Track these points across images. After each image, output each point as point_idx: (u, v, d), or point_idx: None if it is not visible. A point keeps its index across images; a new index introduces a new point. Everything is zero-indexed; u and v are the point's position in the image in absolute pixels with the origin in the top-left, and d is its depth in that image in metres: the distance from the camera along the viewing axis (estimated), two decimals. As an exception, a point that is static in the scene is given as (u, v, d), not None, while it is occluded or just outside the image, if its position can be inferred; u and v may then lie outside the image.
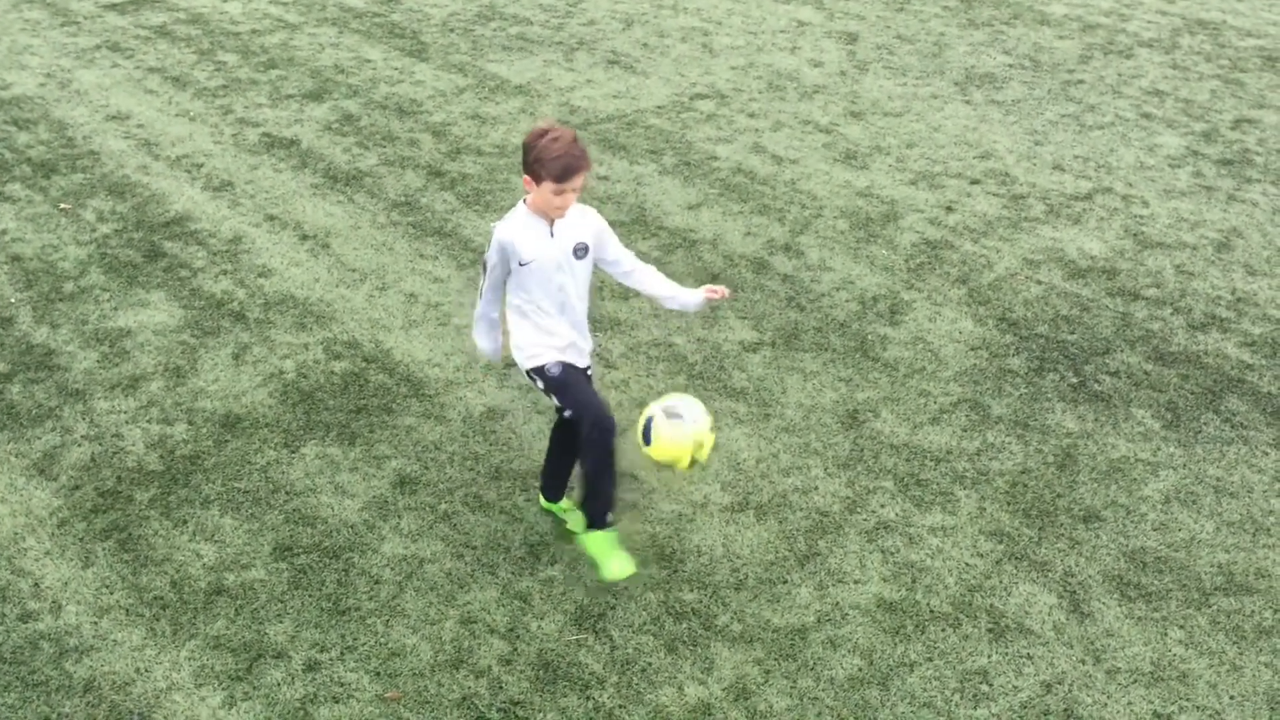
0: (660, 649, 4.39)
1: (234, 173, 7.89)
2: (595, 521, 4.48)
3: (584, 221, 4.33)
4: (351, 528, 4.91)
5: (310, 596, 4.56)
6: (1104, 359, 6.23)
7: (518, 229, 4.24)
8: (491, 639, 4.41)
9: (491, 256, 4.30)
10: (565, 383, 4.39)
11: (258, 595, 4.56)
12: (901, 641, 4.47)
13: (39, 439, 5.32)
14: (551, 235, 4.25)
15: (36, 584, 4.57)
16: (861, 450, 5.49)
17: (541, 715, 4.12)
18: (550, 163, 4.04)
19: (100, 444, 5.32)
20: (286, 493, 5.08)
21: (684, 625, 4.49)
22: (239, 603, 4.52)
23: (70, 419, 5.46)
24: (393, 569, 4.71)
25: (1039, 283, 6.91)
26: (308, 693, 4.17)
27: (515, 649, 4.37)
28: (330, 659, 4.31)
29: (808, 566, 4.80)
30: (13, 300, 6.33)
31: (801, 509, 5.11)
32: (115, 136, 8.36)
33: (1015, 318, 6.57)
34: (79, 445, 5.29)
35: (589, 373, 4.57)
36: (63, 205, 7.34)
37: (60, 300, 6.35)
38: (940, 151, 8.66)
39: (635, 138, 8.68)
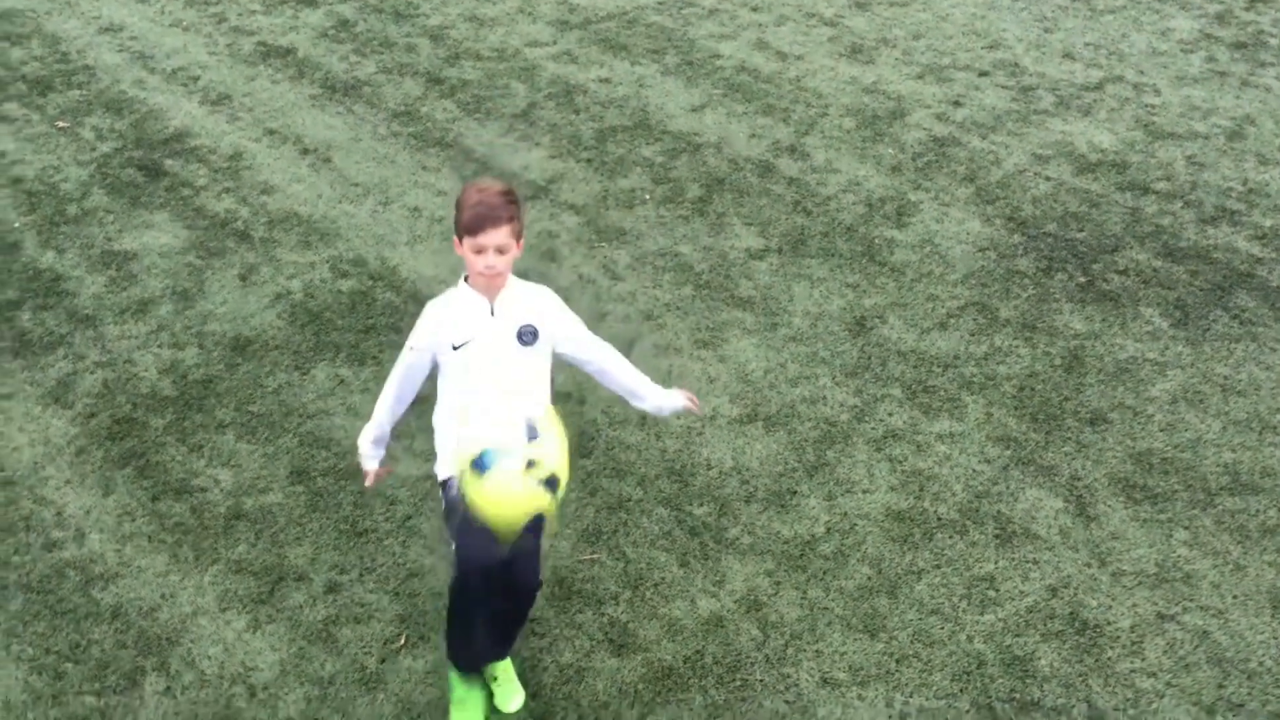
0: (672, 563, 4.48)
1: (231, 85, 7.79)
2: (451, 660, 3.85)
3: (533, 302, 3.58)
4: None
5: (328, 519, 4.65)
6: (1112, 257, 6.19)
7: (450, 306, 3.55)
8: (507, 557, 4.49)
9: (413, 337, 3.56)
10: (458, 518, 3.43)
11: (276, 519, 4.65)
12: (910, 550, 4.55)
13: (52, 367, 5.37)
14: (492, 314, 3.52)
15: (59, 513, 4.66)
16: (869, 358, 5.50)
17: (557, 631, 4.22)
18: (462, 214, 3.42)
19: (113, 370, 5.37)
20: (300, 415, 5.13)
21: (695, 540, 4.57)
22: (258, 527, 4.61)
23: (82, 345, 5.49)
24: (408, 489, 4.78)
25: (1047, 179, 6.83)
26: (330, 614, 4.27)
27: (530, 566, 4.46)
28: (350, 580, 4.40)
29: (816, 477, 4.86)
30: (17, 225, 6.31)
31: (810, 419, 5.15)
32: (109, 50, 8.23)
33: (1024, 216, 6.52)
34: (92, 372, 5.34)
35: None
36: (60, 124, 7.27)
37: (64, 223, 6.33)
38: (948, 42, 8.48)
39: (636, 36, 8.51)
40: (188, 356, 5.45)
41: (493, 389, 3.49)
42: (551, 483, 3.19)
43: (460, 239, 3.46)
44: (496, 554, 3.46)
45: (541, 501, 3.18)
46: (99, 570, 4.42)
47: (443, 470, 3.67)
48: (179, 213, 6.44)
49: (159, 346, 5.50)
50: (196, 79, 7.85)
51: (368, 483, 3.81)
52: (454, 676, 3.88)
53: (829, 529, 4.63)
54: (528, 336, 3.54)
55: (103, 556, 4.47)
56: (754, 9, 8.98)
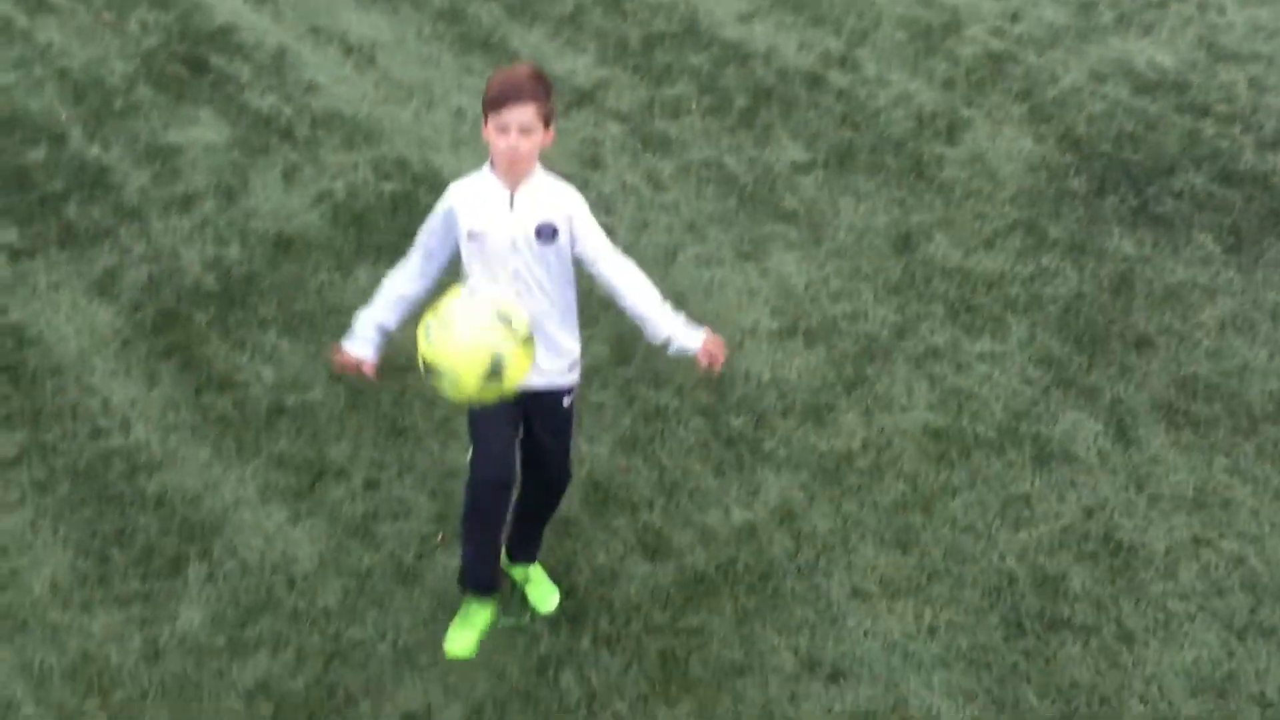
0: (708, 473, 4.50)
1: (276, -19, 7.69)
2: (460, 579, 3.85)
3: (556, 199, 3.45)
4: (403, 349, 4.99)
5: (368, 417, 4.70)
6: (1168, 179, 6.06)
7: (471, 190, 3.45)
8: (543, 460, 4.53)
9: (432, 218, 3.53)
10: (476, 414, 3.53)
11: (317, 416, 4.70)
12: (945, 468, 4.54)
13: (98, 259, 5.42)
14: (511, 207, 3.41)
15: (105, 402, 4.73)
16: (913, 275, 5.44)
17: (591, 534, 4.27)
18: (488, 91, 3.31)
19: (158, 264, 5.41)
20: (341, 315, 5.13)
21: (731, 450, 4.58)
22: (299, 423, 4.67)
23: (128, 238, 5.53)
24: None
25: (1104, 98, 6.66)
26: (368, 509, 4.34)
27: (566, 470, 4.50)
28: (389, 478, 4.46)
29: (855, 393, 4.85)
30: (63, 117, 6.33)
31: (850, 335, 5.12)
32: (154, -58, 8.14)
33: (1078, 136, 6.37)
34: (137, 265, 5.38)
35: (561, 400, 3.65)
36: (106, 16, 7.24)
37: (110, 117, 6.34)
38: (1008, -45, 8.22)
39: (687, -59, 8.30)
40: (231, 253, 5.48)
41: (508, 285, 3.43)
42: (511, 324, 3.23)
43: (486, 118, 3.34)
44: (511, 468, 3.52)
45: (498, 345, 3.18)
46: (144, 459, 4.50)
47: None
48: (223, 109, 6.43)
49: (203, 242, 5.53)
50: (242, -26, 7.77)
51: (336, 358, 3.64)
52: (463, 592, 3.83)
53: (865, 444, 4.62)
54: (546, 234, 3.41)
55: (148, 446, 4.55)
56: (809, -85, 8.73)
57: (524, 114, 3.28)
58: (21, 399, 4.71)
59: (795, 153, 6.21)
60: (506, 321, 3.24)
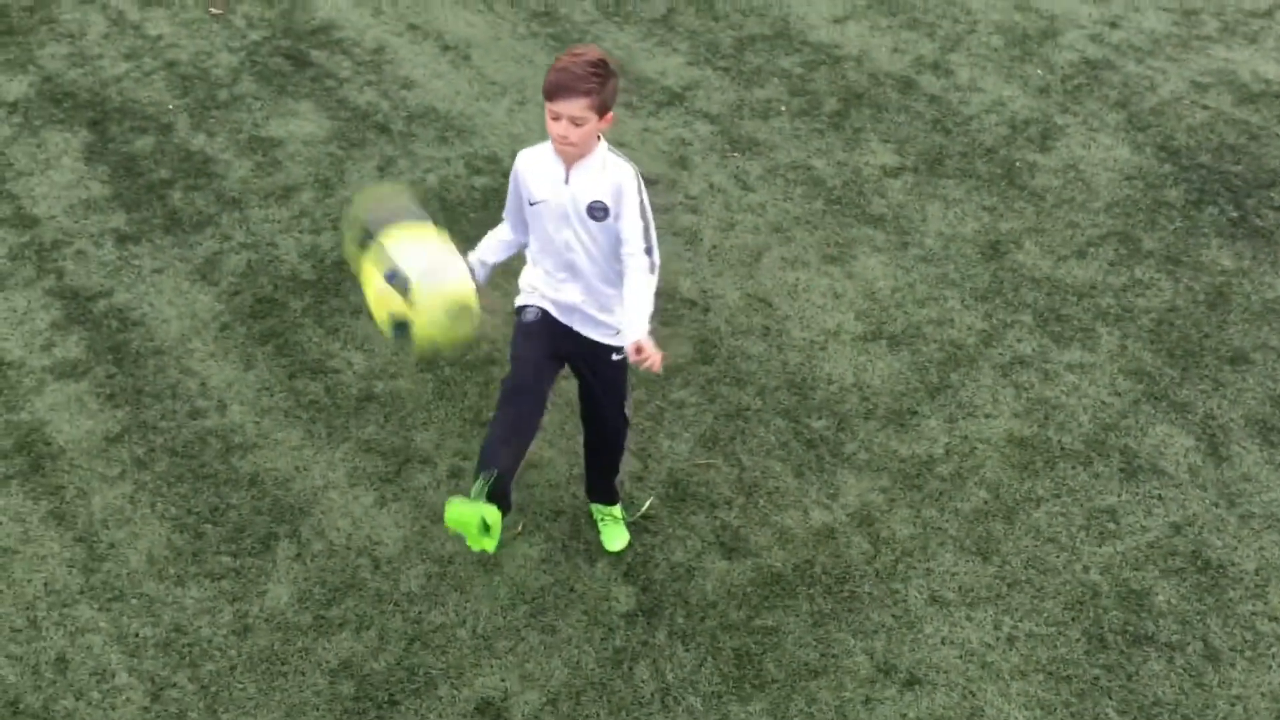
0: (787, 473, 4.51)
1: (376, -21, 7.86)
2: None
3: (611, 177, 3.50)
4: (492, 342, 5.08)
5: (453, 407, 4.78)
6: (1268, 192, 5.91)
7: (535, 160, 3.60)
8: (625, 455, 4.57)
9: (511, 181, 3.71)
10: (518, 338, 3.75)
11: (405, 404, 4.80)
12: (1030, 477, 4.49)
13: (200, 245, 5.59)
14: (566, 181, 3.53)
15: (203, 383, 4.88)
16: (1001, 282, 5.39)
17: (670, 530, 4.30)
18: (546, 76, 3.41)
19: (257, 251, 5.56)
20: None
21: (812, 452, 4.58)
22: (387, 410, 4.77)
23: (229, 226, 5.70)
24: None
25: (1205, 108, 6.52)
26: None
27: (646, 467, 4.54)
28: (472, 467, 4.53)
29: (938, 399, 4.82)
30: (171, 107, 6.53)
31: (935, 340, 5.08)
32: (260, -60, 8.37)
33: (1176, 146, 6.25)
34: (237, 252, 5.54)
35: (610, 355, 3.77)
36: (213, 10, 7.46)
37: (215, 108, 6.53)
38: (1110, -39, 8.09)
39: (782, -57, 8.30)
40: (326, 242, 5.61)
41: (557, 256, 3.61)
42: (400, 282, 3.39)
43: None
44: (534, 384, 3.69)
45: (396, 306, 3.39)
46: (238, 440, 4.64)
47: (518, 298, 3.86)
48: (323, 103, 6.59)
49: (300, 231, 5.68)
50: (343, -29, 7.95)
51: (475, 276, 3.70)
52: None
53: (948, 451, 4.59)
54: (599, 212, 3.51)
55: (242, 427, 4.69)
56: (906, -81, 8.67)
57: (574, 106, 3.36)
58: (125, 378, 4.88)
59: (885, 157, 6.18)
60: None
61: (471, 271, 3.67)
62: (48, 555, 4.21)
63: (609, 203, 3.50)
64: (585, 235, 3.56)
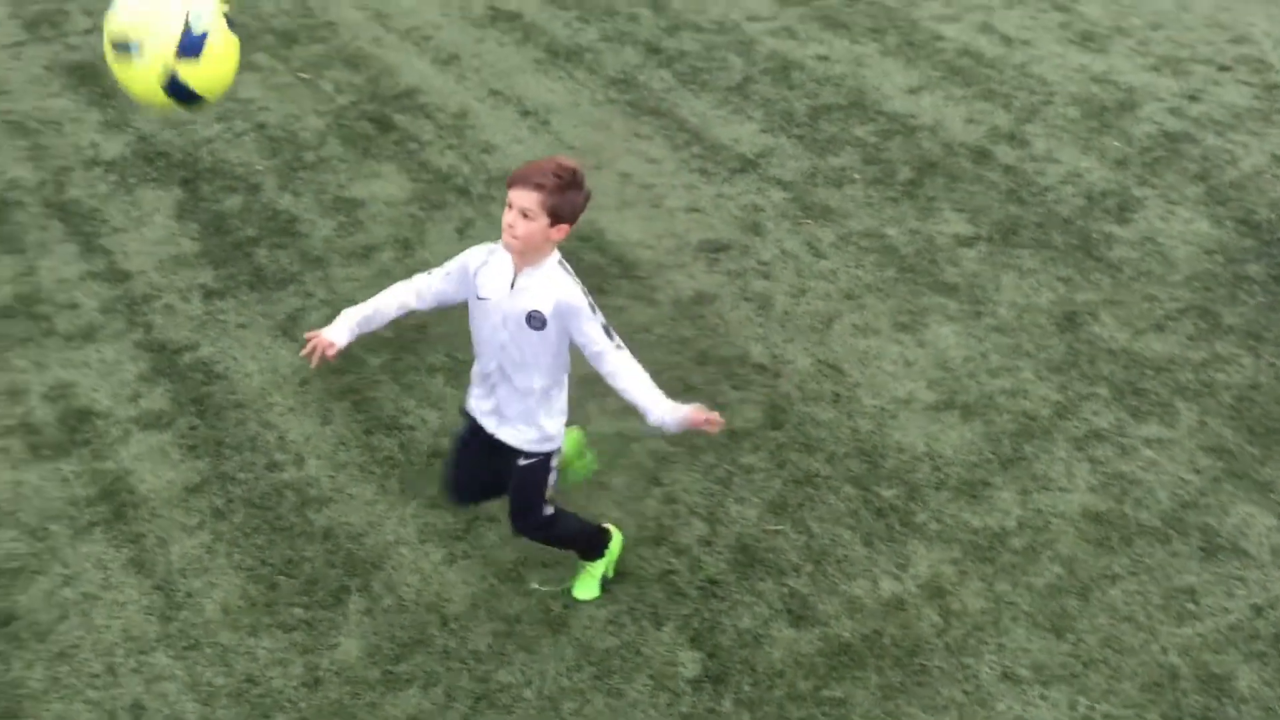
0: (857, 542, 4.47)
1: (460, 45, 8.09)
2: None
3: (551, 292, 3.55)
4: (564, 403, 5.13)
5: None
6: (1355, 269, 5.81)
7: (488, 257, 3.65)
8: (692, 520, 4.58)
9: (453, 262, 3.71)
10: (456, 445, 4.07)
11: (476, 461, 4.85)
12: (1105, 553, 4.41)
13: (284, 301, 5.74)
14: (511, 286, 3.59)
15: (282, 437, 4.99)
16: (1077, 355, 5.33)
17: (738, 596, 4.28)
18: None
19: (337, 309, 5.61)
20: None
21: (881, 521, 4.55)
22: (459, 467, 4.82)
23: (311, 284, 5.85)
24: (600, 445, 4.90)
25: (1289, 182, 6.44)
26: (519, 556, 4.45)
27: (714, 531, 4.54)
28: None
29: (1011, 470, 4.76)
30: (259, 167, 6.75)
31: (1009, 411, 5.04)
32: (350, 7, 8.65)
33: (1258, 220, 6.17)
34: (318, 309, 5.67)
35: (518, 458, 3.84)
36: (303, 75, 7.71)
37: (302, 169, 6.74)
38: (1189, 34, 8.07)
39: (857, 15, 8.41)
40: (405, 302, 5.72)
41: (493, 354, 3.69)
42: (189, 96, 3.54)
43: None
44: (465, 495, 4.12)
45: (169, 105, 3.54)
46: (314, 493, 4.73)
47: (467, 395, 3.98)
48: (405, 165, 6.76)
49: (379, 291, 5.79)
50: (429, 38, 8.20)
51: (309, 347, 3.70)
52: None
53: (1021, 524, 4.53)
54: (536, 322, 3.58)
55: (318, 481, 4.78)
56: (982, -9, 8.73)
57: (526, 199, 3.41)
58: (207, 430, 5.01)
59: (958, 226, 6.18)
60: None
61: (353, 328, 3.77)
62: (127, 602, 4.30)
63: (548, 315, 3.56)
64: (521, 342, 3.63)
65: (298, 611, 4.27)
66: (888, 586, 4.30)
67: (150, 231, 6.21)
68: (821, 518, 4.58)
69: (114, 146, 6.91)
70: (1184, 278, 5.79)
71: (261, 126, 7.12)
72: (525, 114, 7.25)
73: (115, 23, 3.56)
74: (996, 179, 6.55)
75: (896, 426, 4.98)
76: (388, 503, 4.68)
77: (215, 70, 3.62)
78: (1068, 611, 4.20)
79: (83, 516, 4.61)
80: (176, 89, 3.53)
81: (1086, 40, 8.02)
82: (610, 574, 4.30)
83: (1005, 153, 6.78)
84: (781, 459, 4.84)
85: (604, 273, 5.89)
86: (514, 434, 3.82)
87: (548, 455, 3.88)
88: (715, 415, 3.61)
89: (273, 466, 4.85)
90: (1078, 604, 4.23)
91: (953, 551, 4.43)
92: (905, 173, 6.62)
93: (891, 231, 6.15)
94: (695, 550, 4.45)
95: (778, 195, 6.47)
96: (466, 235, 6.17)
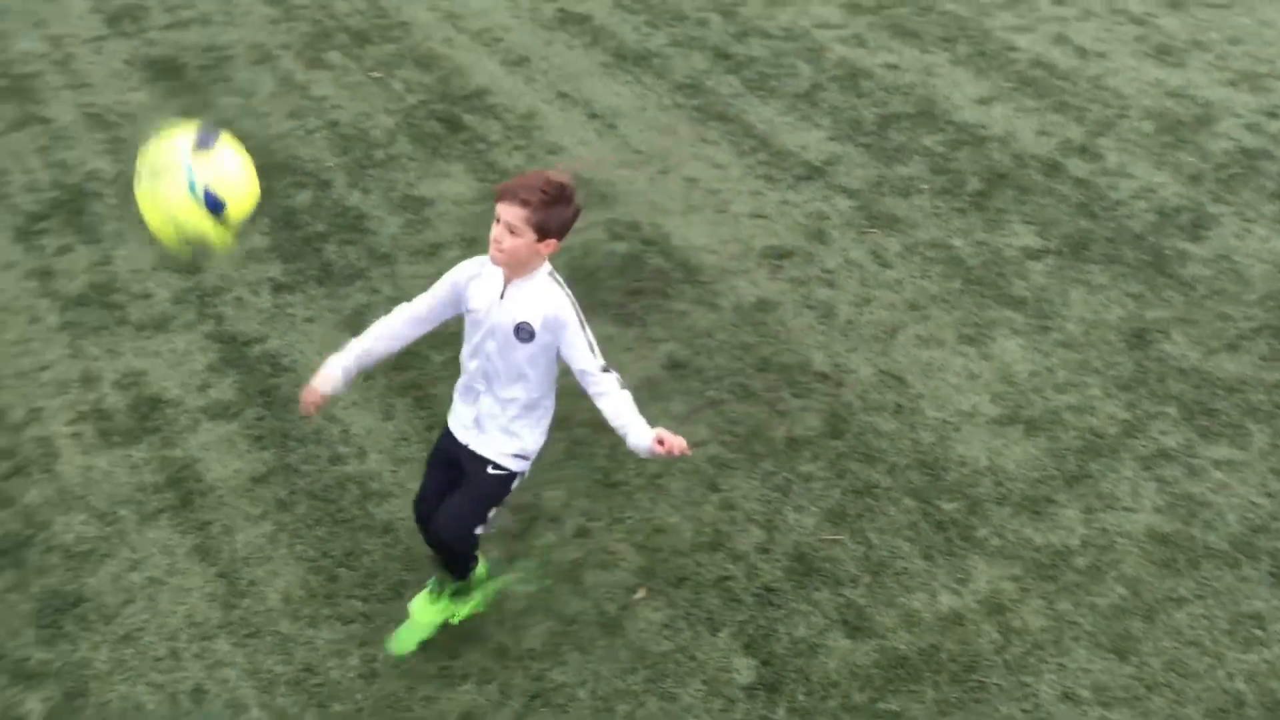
0: (916, 555, 4.43)
1: (530, 48, 8.15)
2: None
3: (541, 304, 3.54)
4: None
5: (583, 468, 4.84)
6: None
7: (481, 269, 3.64)
8: (750, 526, 4.57)
9: (440, 284, 3.71)
10: (432, 455, 4.01)
11: (534, 462, 4.87)
12: (1171, 575, 4.33)
13: (350, 297, 5.81)
14: (501, 297, 3.59)
15: (345, 430, 5.05)
16: (1146, 372, 5.24)
17: (794, 604, 4.26)
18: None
19: (402, 306, 5.74)
20: (564, 367, 5.35)
21: (941, 534, 4.51)
22: (519, 466, 4.85)
23: (378, 280, 5.92)
24: (660, 449, 4.91)
25: (1371, 203, 6.29)
26: (577, 557, 4.47)
27: (772, 538, 4.52)
28: (599, 528, 4.59)
29: (1076, 488, 4.69)
30: (330, 164, 6.84)
31: (1075, 428, 4.97)
32: (423, 8, 8.76)
33: (1338, 240, 6.03)
34: (384, 306, 5.67)
35: (487, 468, 3.78)
36: (374, 74, 7.81)
37: (371, 166, 6.82)
38: (1269, 49, 7.91)
39: (929, 24, 8.35)
40: (469, 300, 5.77)
41: (479, 365, 3.67)
42: (215, 204, 3.35)
43: None
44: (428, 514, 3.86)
45: (199, 220, 3.36)
46: (375, 487, 4.78)
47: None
48: (473, 165, 6.82)
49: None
50: (499, 40, 8.26)
51: (306, 400, 3.77)
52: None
53: (1085, 543, 4.46)
54: (523, 334, 3.56)
55: (380, 475, 4.83)
56: (1057, 2, 8.63)
57: (512, 214, 3.40)
58: (273, 421, 5.08)
59: (1027, 239, 6.11)
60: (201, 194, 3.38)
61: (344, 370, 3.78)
62: (191, 588, 4.38)
63: (537, 327, 3.54)
64: (508, 354, 3.61)
65: (356, 604, 4.32)
66: (946, 601, 4.26)
67: (223, 225, 6.32)
68: (880, 529, 4.54)
69: (190, 140, 7.04)
70: (1259, 297, 5.67)
71: (333, 124, 7.22)
72: (592, 116, 7.28)
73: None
74: (1067, 192, 6.46)
75: (959, 439, 4.92)
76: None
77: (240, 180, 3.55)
78: (1131, 633, 4.13)
79: (150, 503, 4.70)
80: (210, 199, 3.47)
81: (1163, 54, 7.89)
82: (455, 621, 4.16)
83: (1077, 166, 6.69)
84: (841, 468, 4.81)
85: (667, 277, 5.90)
86: (490, 444, 3.77)
87: (513, 475, 3.81)
88: (682, 442, 3.50)
89: (336, 460, 4.91)
90: (1142, 626, 4.15)
91: (1014, 568, 4.37)
92: (974, 184, 6.55)
93: (958, 242, 6.09)
94: (752, 557, 4.44)
95: (843, 203, 6.44)
96: (531, 236, 6.21)
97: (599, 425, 4.98)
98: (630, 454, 4.81)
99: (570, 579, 4.39)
